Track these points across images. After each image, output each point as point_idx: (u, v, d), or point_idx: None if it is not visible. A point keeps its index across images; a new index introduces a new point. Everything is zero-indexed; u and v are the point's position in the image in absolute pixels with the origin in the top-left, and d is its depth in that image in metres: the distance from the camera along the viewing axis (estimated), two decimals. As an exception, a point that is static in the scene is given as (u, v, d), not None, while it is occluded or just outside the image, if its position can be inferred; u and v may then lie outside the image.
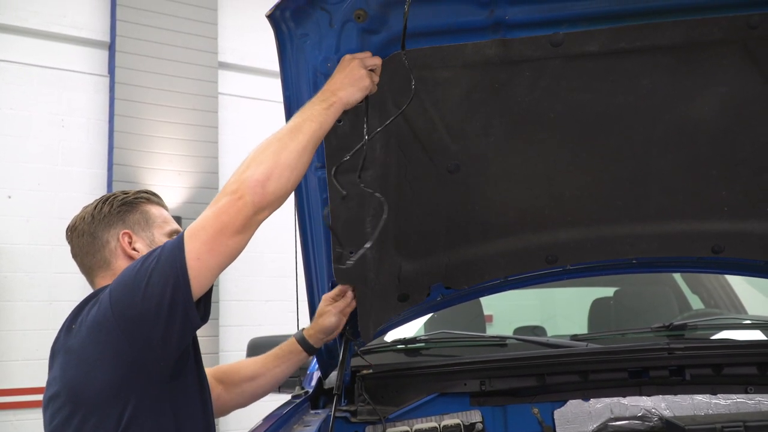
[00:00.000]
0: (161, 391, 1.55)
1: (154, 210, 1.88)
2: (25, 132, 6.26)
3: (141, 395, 1.52)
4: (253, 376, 2.12)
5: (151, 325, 1.49)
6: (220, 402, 2.04)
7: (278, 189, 1.53)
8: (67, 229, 1.87)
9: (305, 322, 2.25)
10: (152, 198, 1.91)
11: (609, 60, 1.76)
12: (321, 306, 2.13)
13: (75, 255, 1.85)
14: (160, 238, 1.82)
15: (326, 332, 2.11)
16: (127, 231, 1.81)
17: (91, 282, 1.82)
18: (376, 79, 1.66)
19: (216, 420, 1.87)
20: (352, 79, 1.61)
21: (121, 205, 1.84)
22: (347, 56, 1.63)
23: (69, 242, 1.86)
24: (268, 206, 1.53)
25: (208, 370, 2.07)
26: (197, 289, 1.52)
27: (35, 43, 6.44)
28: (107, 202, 1.85)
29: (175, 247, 1.52)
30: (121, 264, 1.76)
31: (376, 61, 1.65)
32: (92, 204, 1.87)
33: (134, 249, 1.79)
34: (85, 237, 1.82)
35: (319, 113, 1.59)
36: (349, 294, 2.10)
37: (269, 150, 1.54)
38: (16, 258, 6.07)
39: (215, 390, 2.05)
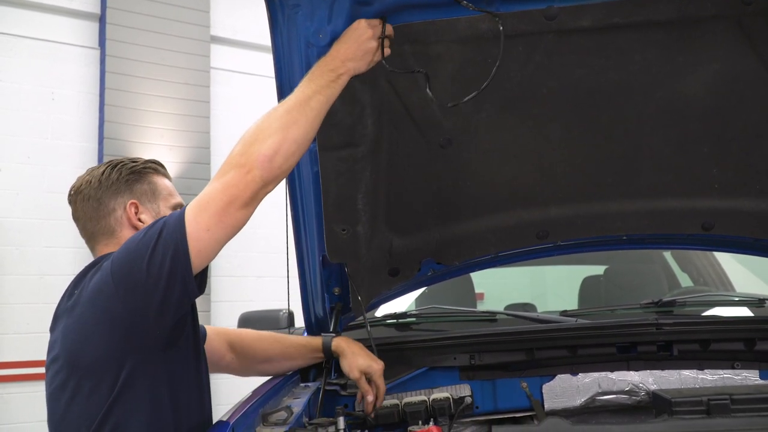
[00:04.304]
0: (156, 359, 1.56)
1: (162, 181, 1.88)
2: (14, 105, 6.19)
3: (136, 362, 1.52)
4: (269, 359, 2.12)
5: (150, 293, 1.49)
6: (225, 364, 2.06)
7: (285, 163, 1.54)
8: (71, 190, 1.84)
9: (296, 297, 2.25)
10: (159, 169, 1.90)
11: (602, 35, 1.75)
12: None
13: (77, 219, 1.83)
14: (165, 211, 1.82)
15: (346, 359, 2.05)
16: (134, 201, 1.80)
17: (92, 248, 1.81)
18: (388, 51, 1.65)
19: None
20: (363, 52, 1.60)
21: (130, 173, 1.83)
22: (362, 22, 1.60)
23: (71, 204, 1.84)
24: (274, 180, 1.54)
25: (222, 330, 2.10)
26: (203, 260, 1.53)
27: (25, 15, 6.34)
28: (116, 169, 1.83)
29: (179, 218, 1.52)
30: (125, 233, 1.76)
31: (390, 33, 1.64)
32: (99, 168, 1.84)
33: (140, 220, 1.79)
34: (91, 202, 1.80)
35: (328, 85, 1.58)
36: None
37: (278, 123, 1.54)
38: (6, 232, 6.04)
39: (226, 356, 2.07)
